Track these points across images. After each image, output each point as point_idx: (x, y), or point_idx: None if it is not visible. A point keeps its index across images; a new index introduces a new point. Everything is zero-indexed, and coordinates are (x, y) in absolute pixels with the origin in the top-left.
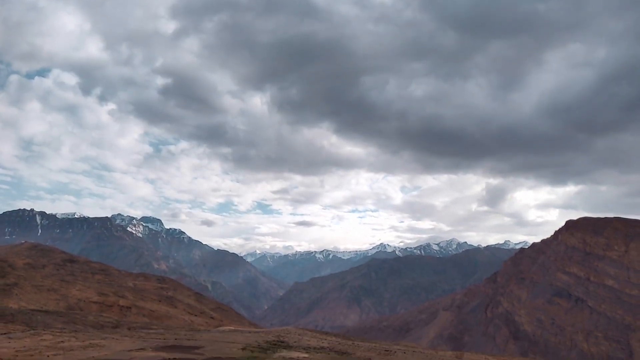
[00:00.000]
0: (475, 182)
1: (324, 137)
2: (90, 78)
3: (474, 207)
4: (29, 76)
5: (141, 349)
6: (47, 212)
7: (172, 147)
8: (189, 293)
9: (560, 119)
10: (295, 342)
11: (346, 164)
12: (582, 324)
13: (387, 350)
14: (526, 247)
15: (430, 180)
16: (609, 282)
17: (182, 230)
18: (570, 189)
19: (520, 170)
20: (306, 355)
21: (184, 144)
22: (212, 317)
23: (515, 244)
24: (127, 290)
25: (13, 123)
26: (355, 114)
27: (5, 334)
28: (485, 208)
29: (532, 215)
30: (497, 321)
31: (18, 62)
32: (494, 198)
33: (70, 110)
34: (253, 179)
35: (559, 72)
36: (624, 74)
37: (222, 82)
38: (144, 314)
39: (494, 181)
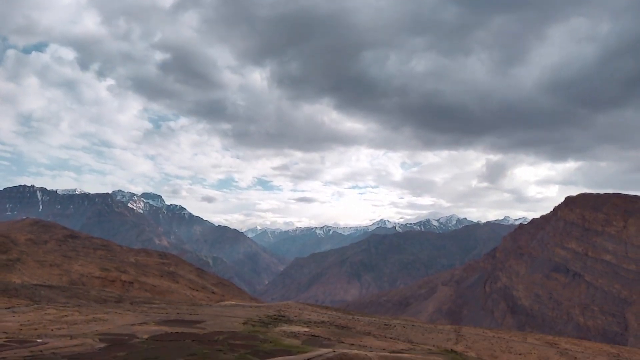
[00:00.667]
0: (476, 159)
1: (324, 113)
2: (88, 53)
3: (474, 183)
4: (26, 51)
5: (144, 323)
6: (48, 188)
7: (171, 123)
8: (191, 268)
9: (561, 94)
10: (295, 316)
11: (346, 140)
12: (579, 298)
13: (387, 325)
14: (525, 223)
15: (430, 157)
16: (606, 257)
17: (182, 206)
18: (570, 165)
19: (520, 147)
20: (307, 329)
21: (183, 120)
22: (213, 292)
23: (515, 219)
24: (129, 266)
25: (11, 98)
26: (356, 90)
27: (9, 308)
28: (485, 184)
29: (532, 191)
30: (495, 296)
31: (14, 36)
32: (494, 174)
33: (69, 86)
34: (253, 155)
35: (562, 46)
36: (627, 49)
37: (221, 57)
38: (146, 289)
39: (494, 157)
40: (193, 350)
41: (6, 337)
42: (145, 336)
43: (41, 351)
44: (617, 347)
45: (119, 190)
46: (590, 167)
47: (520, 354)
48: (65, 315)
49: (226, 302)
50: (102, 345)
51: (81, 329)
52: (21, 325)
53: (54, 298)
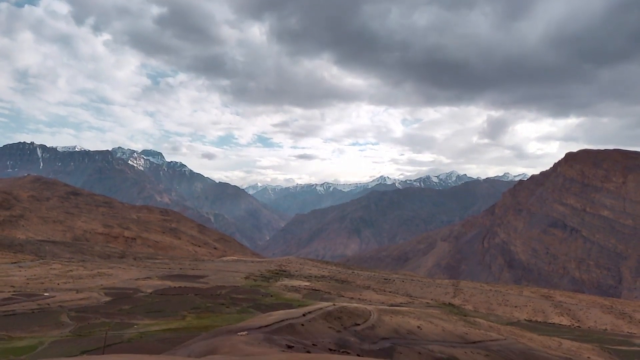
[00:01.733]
0: (477, 115)
1: (325, 68)
2: (82, 7)
3: (475, 139)
4: (19, 4)
5: (147, 277)
6: (48, 146)
7: (170, 79)
8: (192, 225)
9: (566, 49)
10: (296, 271)
11: (347, 96)
12: (575, 252)
13: (386, 279)
14: (525, 179)
15: (431, 113)
16: (604, 213)
17: (183, 163)
18: (571, 121)
19: (522, 102)
20: (307, 283)
21: (182, 76)
22: (215, 248)
23: (515, 176)
24: (132, 222)
25: (6, 54)
26: (357, 45)
27: (15, 263)
28: (485, 140)
29: (533, 147)
30: (493, 251)
31: None
32: (495, 130)
33: (64, 41)
34: (253, 112)
35: (568, 0)
36: (635, 1)
37: (219, 11)
38: (149, 244)
39: (496, 113)
40: (196, 304)
41: (14, 291)
42: (149, 290)
43: (48, 304)
44: (611, 300)
45: (119, 147)
46: (592, 122)
47: (516, 307)
48: (71, 270)
49: (228, 257)
50: (108, 298)
51: (86, 283)
52: (28, 279)
53: (59, 253)
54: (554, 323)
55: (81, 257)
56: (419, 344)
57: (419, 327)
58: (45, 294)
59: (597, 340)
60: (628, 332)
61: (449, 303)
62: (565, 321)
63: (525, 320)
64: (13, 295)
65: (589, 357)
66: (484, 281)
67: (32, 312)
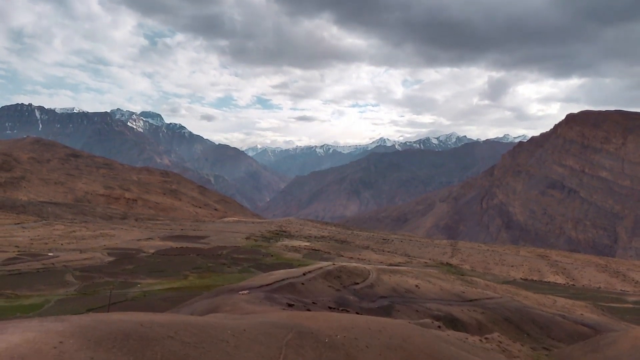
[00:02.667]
0: (478, 76)
1: (324, 28)
2: None
3: (475, 100)
4: None
5: (149, 238)
6: (46, 107)
7: (168, 40)
8: (193, 186)
9: (571, 7)
10: (297, 231)
11: (347, 57)
12: (572, 213)
13: (385, 239)
14: (525, 140)
15: (432, 74)
16: (602, 174)
17: (182, 124)
18: (573, 82)
19: (524, 63)
20: (307, 243)
21: (180, 37)
22: (216, 209)
23: (515, 137)
24: (132, 184)
25: (0, 13)
26: (357, 3)
27: (18, 224)
28: (486, 102)
29: (533, 108)
30: (491, 212)
31: None
32: (495, 92)
33: (58, 0)
34: (252, 73)
35: None
36: None
37: None
38: (150, 206)
39: (497, 74)
40: (198, 264)
41: (18, 251)
42: (152, 251)
43: (53, 264)
44: (605, 259)
45: (118, 109)
46: (594, 83)
47: (512, 266)
48: (74, 231)
49: (229, 219)
50: (111, 259)
51: (90, 243)
52: (31, 240)
53: (61, 215)
54: (549, 282)
55: (83, 219)
56: (417, 302)
57: (417, 286)
58: (50, 254)
59: (590, 297)
60: (621, 290)
61: (447, 263)
62: (560, 280)
63: (521, 279)
64: (18, 255)
65: (582, 314)
66: (482, 241)
67: (37, 271)
